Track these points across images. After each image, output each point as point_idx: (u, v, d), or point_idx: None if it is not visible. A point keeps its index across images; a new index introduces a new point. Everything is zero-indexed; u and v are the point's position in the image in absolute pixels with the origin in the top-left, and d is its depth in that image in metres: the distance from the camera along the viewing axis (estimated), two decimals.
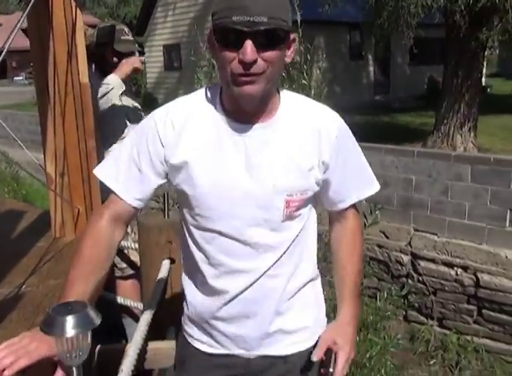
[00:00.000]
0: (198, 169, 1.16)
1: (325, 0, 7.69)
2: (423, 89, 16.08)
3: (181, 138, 1.17)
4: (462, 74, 7.53)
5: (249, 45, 1.03)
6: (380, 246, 5.22)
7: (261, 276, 1.22)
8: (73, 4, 1.43)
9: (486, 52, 8.74)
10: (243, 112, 1.16)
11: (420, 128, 9.80)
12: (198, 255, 1.25)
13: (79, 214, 2.09)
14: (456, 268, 4.73)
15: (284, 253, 1.23)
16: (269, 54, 1.07)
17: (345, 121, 1.31)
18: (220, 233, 1.20)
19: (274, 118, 1.19)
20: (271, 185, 1.18)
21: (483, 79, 16.63)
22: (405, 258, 5.08)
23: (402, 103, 14.10)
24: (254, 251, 1.21)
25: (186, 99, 1.24)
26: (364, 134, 8.57)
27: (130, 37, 2.68)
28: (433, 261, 4.87)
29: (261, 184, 1.18)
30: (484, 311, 4.60)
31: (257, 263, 1.22)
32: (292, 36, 1.13)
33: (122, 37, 2.61)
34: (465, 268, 4.67)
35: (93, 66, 2.56)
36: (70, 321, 0.87)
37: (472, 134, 7.82)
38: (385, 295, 4.05)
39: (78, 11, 1.46)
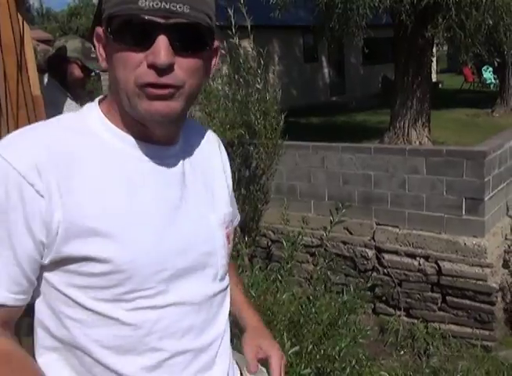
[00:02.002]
0: (123, 229, 0.81)
1: (275, 5, 7.79)
2: (378, 88, 16.47)
3: (74, 191, 0.79)
4: (412, 72, 7.75)
5: (163, 42, 0.74)
6: (344, 242, 5.33)
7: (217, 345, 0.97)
8: (20, 18, 1.44)
9: (434, 49, 9.04)
10: (148, 136, 0.86)
11: (377, 125, 10.03)
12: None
13: None
14: (418, 258, 4.87)
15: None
16: (189, 61, 0.78)
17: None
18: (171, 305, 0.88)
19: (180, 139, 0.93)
20: (212, 219, 0.95)
21: (434, 75, 17.17)
22: (370, 253, 5.20)
23: (358, 103, 14.39)
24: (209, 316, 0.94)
25: (56, 129, 0.84)
26: (322, 134, 8.71)
27: (95, 56, 2.73)
28: (396, 253, 5.01)
29: (204, 221, 0.94)
30: (447, 298, 4.75)
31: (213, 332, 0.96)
32: (216, 43, 0.86)
33: (92, 55, 2.65)
34: (427, 257, 4.81)
35: (45, 79, 2.58)
36: None
37: (426, 128, 8.06)
38: (352, 289, 4.14)
39: (26, 24, 1.48)
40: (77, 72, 2.62)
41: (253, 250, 5.39)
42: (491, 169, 4.68)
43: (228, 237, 0.98)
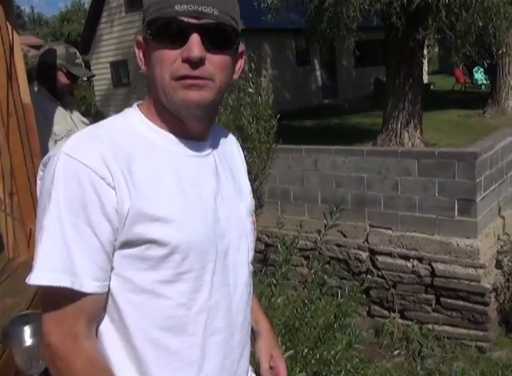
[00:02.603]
0: (178, 212, 0.91)
1: (267, 9, 7.82)
2: (370, 90, 16.53)
3: (135, 182, 0.88)
4: (403, 74, 7.79)
5: (196, 39, 0.86)
6: (338, 245, 5.34)
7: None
8: (10, 26, 1.44)
9: (425, 51, 9.08)
10: (185, 131, 0.97)
11: (370, 127, 10.05)
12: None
13: (31, 233, 2.07)
14: (412, 260, 4.89)
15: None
16: (218, 58, 0.90)
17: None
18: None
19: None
20: (242, 207, 1.07)
21: (426, 77, 17.25)
22: (364, 255, 5.21)
23: (351, 105, 14.43)
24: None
25: (111, 130, 0.93)
26: (315, 137, 8.71)
27: (81, 61, 2.71)
28: (390, 255, 5.02)
29: (236, 209, 1.05)
30: (441, 299, 4.77)
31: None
32: (241, 47, 0.99)
33: (76, 61, 2.63)
34: (420, 259, 4.83)
35: (35, 86, 2.57)
36: (27, 331, 0.89)
37: (418, 130, 8.09)
38: (346, 292, 4.15)
39: (15, 33, 1.47)
40: (62, 79, 2.60)
41: None
42: (482, 170, 4.71)
43: (253, 224, 1.11)
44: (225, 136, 1.14)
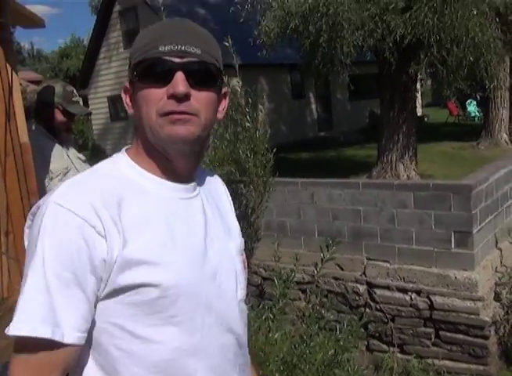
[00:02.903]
0: (166, 258, 0.90)
1: (262, 45, 7.98)
2: (365, 123, 16.73)
3: (124, 229, 0.88)
4: (397, 107, 7.91)
5: (181, 76, 0.89)
6: (336, 278, 5.30)
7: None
8: (9, 67, 1.46)
9: (418, 85, 9.24)
10: (173, 172, 0.97)
11: (365, 160, 10.13)
12: None
13: None
14: (410, 293, 4.85)
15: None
16: (203, 94, 0.92)
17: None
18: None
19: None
20: (231, 247, 1.07)
21: (420, 109, 17.50)
22: (362, 288, 5.17)
23: (346, 137, 14.57)
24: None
25: (99, 177, 0.94)
26: (311, 169, 8.75)
27: (78, 99, 2.75)
28: (388, 288, 4.98)
29: (226, 249, 1.04)
30: (441, 332, 4.71)
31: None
32: (225, 89, 1.01)
33: (73, 99, 2.67)
34: (418, 292, 4.79)
35: (32, 124, 2.59)
36: None
37: (413, 162, 8.16)
38: (345, 327, 4.10)
39: (14, 74, 1.50)
40: (59, 117, 2.62)
41: None
42: (478, 202, 4.73)
43: (243, 263, 1.10)
44: (211, 177, 1.16)
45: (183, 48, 0.89)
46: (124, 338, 0.89)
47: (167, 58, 0.89)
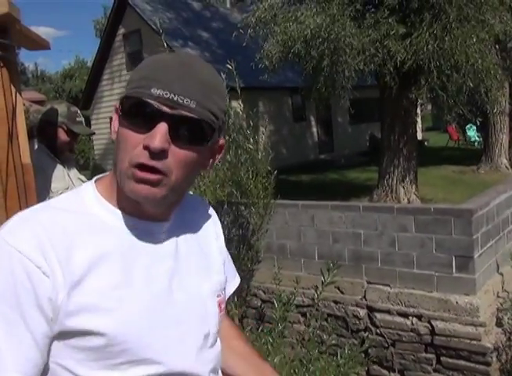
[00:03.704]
0: (118, 303, 0.84)
1: (264, 69, 8.07)
2: (366, 146, 16.81)
3: (73, 270, 0.82)
4: (398, 131, 7.96)
5: (162, 129, 0.80)
6: (336, 302, 5.26)
7: None
8: (13, 89, 1.48)
9: (419, 109, 9.32)
10: (142, 212, 0.90)
11: (366, 183, 10.15)
12: None
13: None
14: (410, 317, 4.81)
15: None
16: (182, 153, 0.83)
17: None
18: None
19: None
20: (205, 288, 0.98)
21: (420, 133, 17.60)
22: (362, 312, 5.12)
23: (347, 160, 14.62)
24: None
25: (56, 212, 0.86)
26: (312, 192, 8.75)
27: (82, 119, 2.78)
28: (388, 312, 4.94)
29: (197, 290, 0.97)
30: (442, 358, 4.65)
31: None
32: (221, 141, 0.92)
33: (77, 119, 2.70)
34: (419, 316, 4.75)
35: (35, 144, 2.61)
36: None
37: (414, 186, 8.18)
38: (346, 352, 4.04)
39: (18, 95, 1.52)
40: (62, 136, 2.65)
41: (243, 310, 5.29)
42: (479, 227, 4.72)
43: (220, 305, 1.01)
44: (197, 207, 1.08)
45: (175, 98, 0.79)
46: None
47: (156, 104, 0.80)
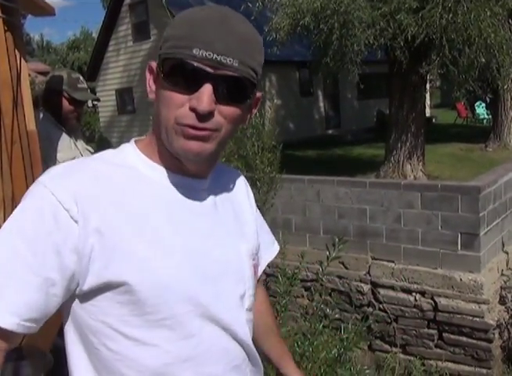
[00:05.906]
0: (158, 249, 0.84)
1: (273, 42, 7.94)
2: (373, 122, 16.64)
3: (112, 218, 0.82)
4: (406, 107, 7.85)
5: (207, 90, 0.80)
6: (340, 277, 5.28)
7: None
8: (18, 54, 1.45)
9: (428, 85, 9.18)
10: (183, 170, 0.91)
11: (372, 159, 10.08)
12: None
13: None
14: (414, 293, 4.83)
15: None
16: (229, 110, 0.83)
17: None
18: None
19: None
20: (243, 249, 0.98)
21: (428, 110, 17.41)
22: (366, 287, 5.15)
23: (354, 136, 14.51)
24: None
25: (101, 166, 0.88)
26: (318, 167, 8.73)
27: (85, 86, 2.72)
28: (392, 288, 4.96)
29: (235, 250, 0.96)
30: (444, 334, 4.69)
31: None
32: (258, 95, 0.92)
33: (79, 86, 2.63)
34: (423, 293, 4.77)
35: (41, 113, 2.57)
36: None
37: (421, 163, 8.11)
38: (350, 327, 4.07)
39: (23, 60, 1.48)
40: (65, 105, 2.60)
41: None
42: (486, 204, 4.69)
43: (255, 268, 1.02)
44: (232, 175, 1.09)
45: (219, 58, 0.79)
46: (114, 339, 0.84)
47: (199, 65, 0.79)
